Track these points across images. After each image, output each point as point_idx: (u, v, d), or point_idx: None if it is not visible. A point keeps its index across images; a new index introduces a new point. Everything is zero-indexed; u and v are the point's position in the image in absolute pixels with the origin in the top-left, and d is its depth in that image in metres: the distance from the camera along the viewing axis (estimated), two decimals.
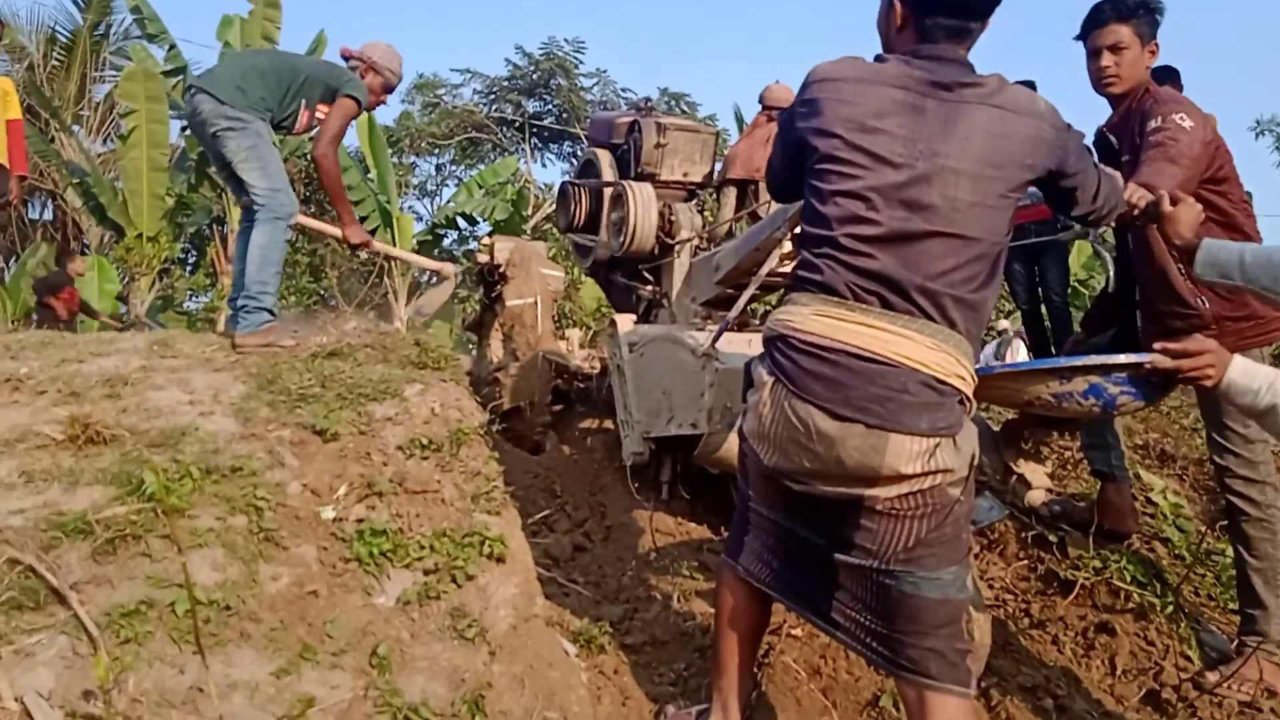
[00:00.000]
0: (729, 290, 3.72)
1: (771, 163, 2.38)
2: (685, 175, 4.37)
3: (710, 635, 2.46)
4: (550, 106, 22.46)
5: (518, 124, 22.17)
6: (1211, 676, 2.95)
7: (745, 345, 3.28)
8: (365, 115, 14.92)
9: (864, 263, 1.99)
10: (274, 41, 14.11)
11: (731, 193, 4.88)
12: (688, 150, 4.35)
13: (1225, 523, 3.79)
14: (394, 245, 14.77)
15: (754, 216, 4.76)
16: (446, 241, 17.99)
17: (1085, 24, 3.14)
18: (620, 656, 2.77)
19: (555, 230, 17.34)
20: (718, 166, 4.75)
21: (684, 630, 2.93)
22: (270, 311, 4.12)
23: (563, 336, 4.75)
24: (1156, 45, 3.10)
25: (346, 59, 4.26)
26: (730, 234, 4.79)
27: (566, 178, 4.73)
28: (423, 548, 2.85)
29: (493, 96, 22.50)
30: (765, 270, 3.02)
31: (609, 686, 2.64)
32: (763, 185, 4.88)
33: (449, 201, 16.25)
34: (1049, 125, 2.09)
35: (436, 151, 23.72)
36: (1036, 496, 2.59)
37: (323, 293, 17.30)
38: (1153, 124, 2.94)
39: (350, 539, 2.84)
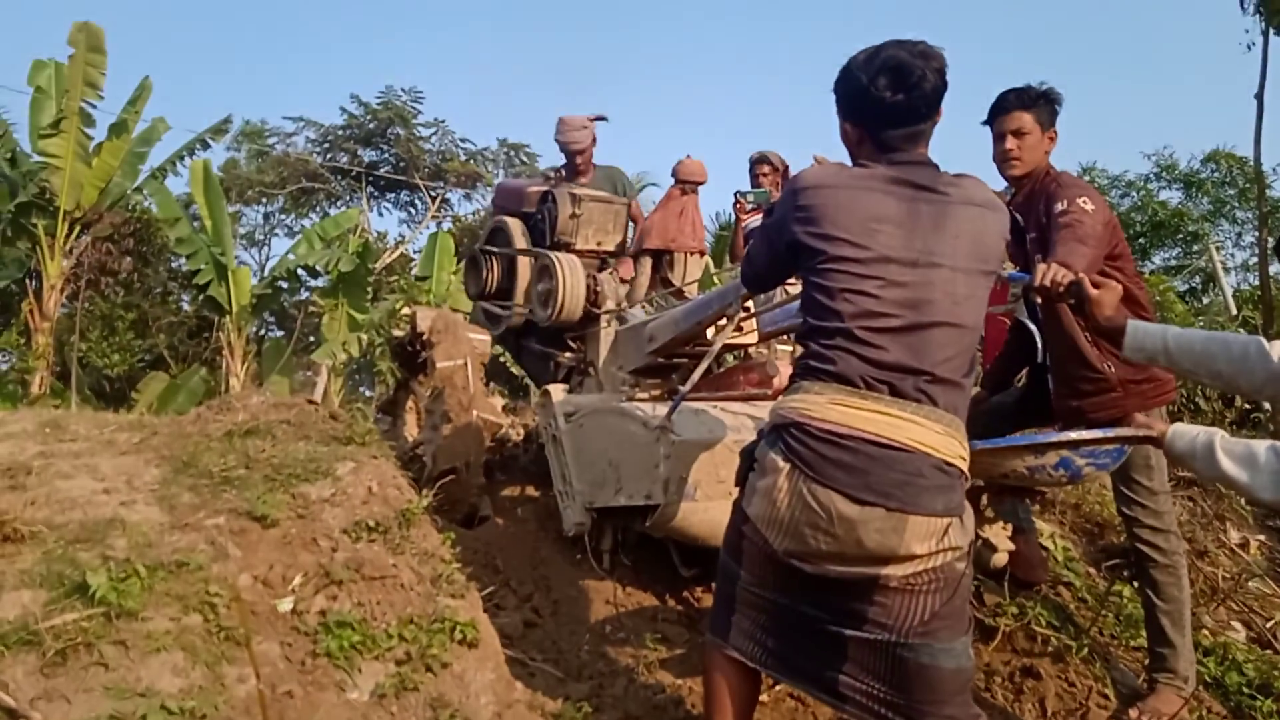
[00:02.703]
0: (660, 360, 3.80)
1: (752, 257, 2.50)
2: (599, 244, 4.45)
3: (704, 715, 2.49)
4: (388, 155, 22.12)
5: (354, 173, 21.70)
6: (1133, 713, 3.21)
7: (692, 415, 3.36)
8: (202, 164, 14.32)
9: (875, 354, 2.12)
10: (98, 88, 13.32)
11: (647, 263, 5.00)
12: (601, 220, 4.44)
13: (1114, 563, 4.15)
14: (229, 301, 14.16)
15: (667, 285, 4.89)
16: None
17: (992, 110, 3.43)
18: None
19: (398, 283, 17.07)
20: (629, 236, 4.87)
21: (656, 704, 2.95)
22: None
23: (492, 396, 4.71)
24: (1055, 132, 3.41)
25: None
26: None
27: (477, 245, 4.71)
28: (391, 637, 2.77)
29: (327, 145, 21.96)
30: (719, 345, 3.12)
31: None
32: (677, 256, 5.03)
33: (288, 253, 15.66)
34: (1005, 218, 2.32)
35: (264, 200, 22.91)
36: (1000, 559, 2.78)
37: (148, 351, 16.30)
38: (1059, 206, 3.23)
39: (313, 632, 2.73)
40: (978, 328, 2.23)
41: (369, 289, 14.91)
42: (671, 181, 5.09)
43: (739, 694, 2.45)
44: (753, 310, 3.43)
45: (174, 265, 16.81)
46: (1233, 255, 18.78)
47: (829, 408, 2.14)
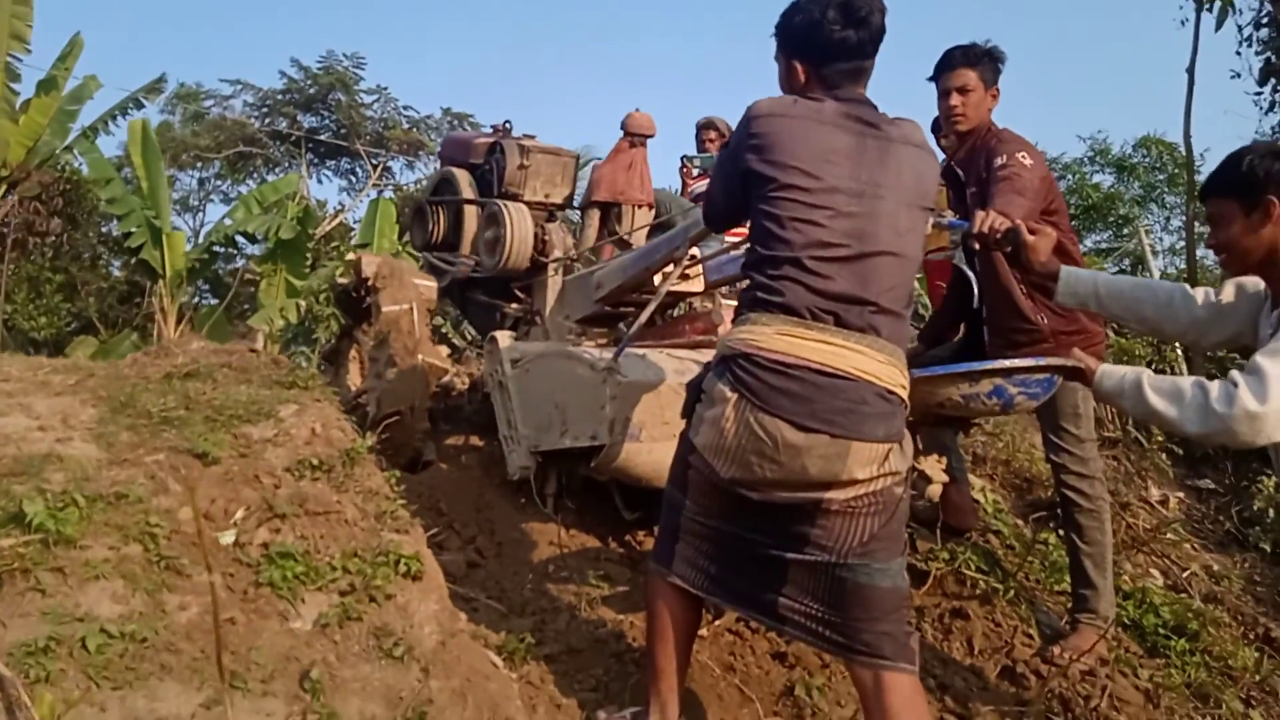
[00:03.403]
0: (607, 308, 3.83)
1: (711, 195, 2.55)
2: (547, 196, 4.46)
3: (646, 640, 2.55)
4: (328, 122, 21.71)
5: (293, 139, 21.27)
6: (1056, 650, 3.33)
7: (638, 358, 3.40)
8: (141, 123, 13.93)
9: (822, 284, 2.18)
10: (25, 41, 12.87)
11: (595, 215, 5.02)
12: (549, 172, 4.44)
13: (1041, 515, 4.30)
14: (163, 266, 13.81)
15: (617, 240, 4.91)
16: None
17: (937, 67, 3.51)
18: (542, 666, 2.81)
19: (338, 250, 16.79)
20: (579, 189, 4.88)
21: (597, 638, 3.00)
22: None
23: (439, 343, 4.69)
24: (998, 90, 3.51)
25: None
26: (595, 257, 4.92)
27: (423, 197, 4.68)
28: (334, 569, 2.77)
29: (266, 109, 21.48)
30: (666, 287, 3.16)
31: (540, 695, 2.67)
32: (626, 208, 5.05)
33: (224, 218, 15.32)
34: (937, 163, 2.46)
35: (200, 165, 22.38)
36: (935, 490, 2.87)
37: (75, 313, 15.85)
38: (999, 161, 3.33)
39: (256, 564, 2.73)
40: (917, 260, 2.33)
41: (308, 255, 14.66)
42: (620, 135, 5.11)
43: (680, 621, 2.51)
44: (698, 258, 3.47)
45: (104, 230, 16.37)
46: (1161, 239, 19.35)
47: (775, 338, 2.20)
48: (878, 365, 2.19)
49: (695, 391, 2.44)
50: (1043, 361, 2.43)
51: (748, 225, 2.44)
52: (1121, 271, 17.25)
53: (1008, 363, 2.41)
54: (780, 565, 2.30)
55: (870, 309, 2.21)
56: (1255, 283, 2.47)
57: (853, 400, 2.16)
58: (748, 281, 2.37)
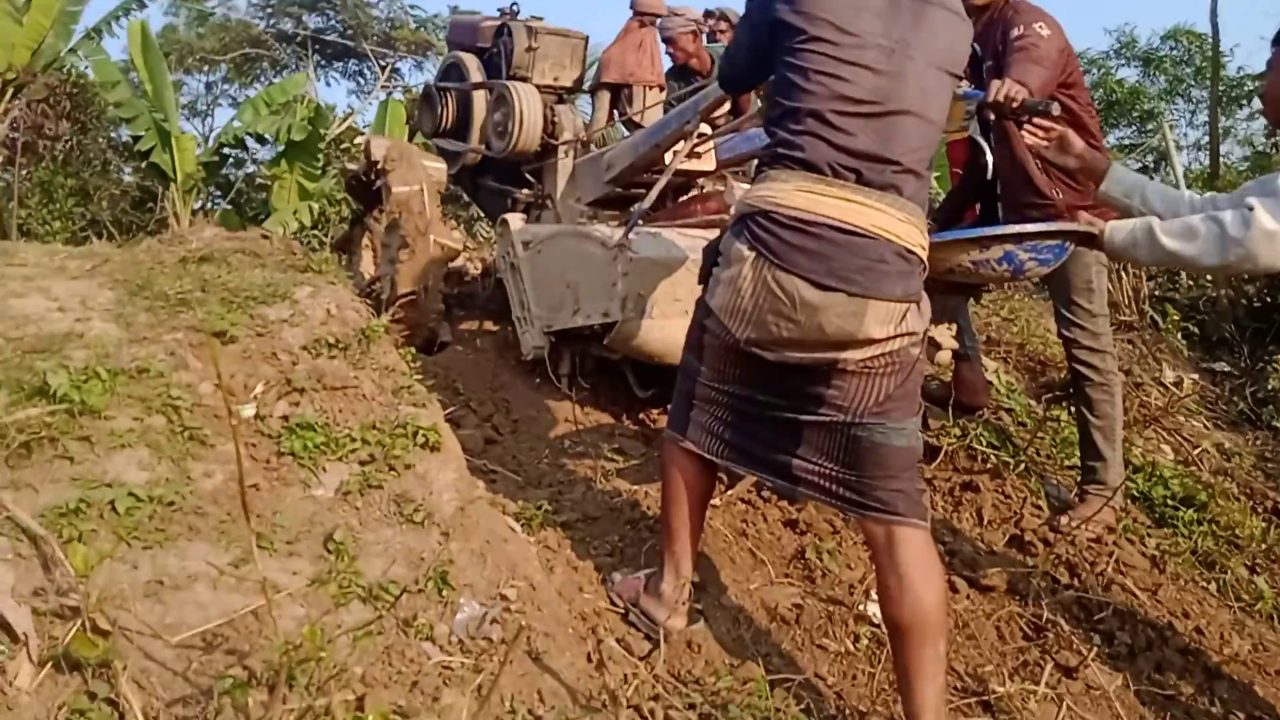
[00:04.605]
0: (618, 190, 3.81)
1: (730, 53, 2.50)
2: (556, 79, 4.38)
3: (661, 505, 2.60)
4: (334, 23, 21.28)
5: (299, 40, 20.89)
6: (1063, 520, 3.39)
7: (649, 235, 3.40)
8: (140, 24, 13.70)
9: (845, 140, 2.16)
10: None
11: (605, 97, 4.94)
12: (558, 55, 4.36)
13: (1053, 396, 4.32)
14: (174, 169, 13.73)
15: (628, 122, 4.85)
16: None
17: None
18: (559, 533, 2.88)
19: (348, 153, 16.63)
20: (589, 72, 4.79)
21: (613, 506, 3.07)
22: None
23: (454, 228, 4.69)
24: None
25: None
26: (604, 140, 4.87)
27: (431, 81, 4.62)
28: (354, 440, 2.83)
29: (270, 10, 21.05)
30: (676, 164, 3.14)
31: (558, 559, 2.74)
32: (636, 90, 4.97)
33: (233, 120, 15.16)
34: (971, 32, 2.39)
35: (206, 69, 22.04)
36: (945, 357, 2.89)
37: (88, 218, 15.85)
38: (1015, 32, 3.26)
39: (277, 435, 2.78)
40: (941, 123, 2.30)
41: (320, 158, 14.53)
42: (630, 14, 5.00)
43: (695, 487, 2.55)
44: (710, 134, 3.43)
45: (114, 135, 16.25)
46: (1186, 134, 18.96)
47: (795, 194, 2.18)
48: (898, 223, 2.17)
49: (712, 255, 2.43)
50: (1053, 226, 2.42)
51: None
52: (1144, 168, 16.98)
53: (1017, 228, 2.40)
54: (795, 427, 2.33)
55: (893, 168, 2.18)
56: None
57: (871, 258, 2.15)
58: (769, 138, 2.34)
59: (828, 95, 2.18)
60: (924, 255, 2.24)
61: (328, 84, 22.95)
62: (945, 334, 2.85)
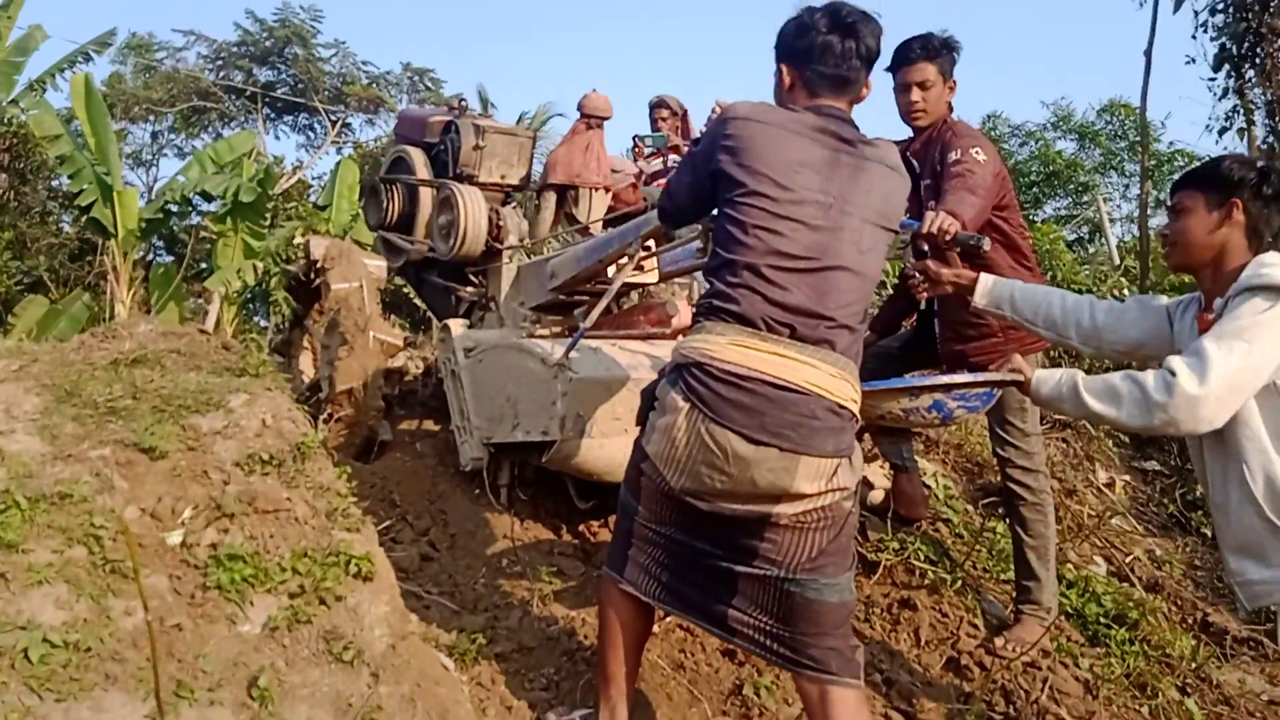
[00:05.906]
0: (562, 297, 3.81)
1: (672, 190, 2.54)
2: (503, 178, 4.39)
3: (598, 646, 2.57)
4: (285, 76, 21.24)
5: (249, 93, 20.79)
6: (999, 642, 3.41)
7: (590, 353, 3.39)
8: (83, 77, 13.51)
9: (780, 295, 2.19)
10: None
11: (551, 197, 4.96)
12: (505, 153, 4.38)
13: (991, 500, 4.37)
14: (115, 224, 13.47)
15: (572, 220, 4.86)
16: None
17: (896, 60, 3.49)
18: (494, 666, 2.82)
19: (295, 210, 16.48)
20: (536, 170, 4.81)
21: (549, 635, 3.02)
22: None
23: (393, 326, 4.63)
24: (955, 81, 3.50)
25: None
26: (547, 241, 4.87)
27: (377, 175, 4.60)
28: (284, 570, 2.75)
29: (220, 62, 20.96)
30: (621, 278, 3.15)
31: (491, 698, 2.69)
32: (582, 191, 4.99)
33: (178, 175, 14.96)
34: (908, 185, 2.45)
35: (152, 118, 21.81)
36: (877, 496, 2.91)
37: (27, 274, 15.48)
38: (953, 155, 3.34)
39: (204, 565, 2.70)
40: (876, 279, 2.35)
41: (267, 215, 14.38)
42: (577, 116, 5.05)
43: (631, 627, 2.53)
44: (653, 249, 3.46)
45: (54, 184, 15.98)
46: (1119, 206, 19.60)
47: (729, 348, 2.20)
48: (829, 380, 2.20)
49: (649, 399, 2.44)
50: (980, 377, 2.47)
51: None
52: (1079, 239, 17.48)
53: (946, 378, 2.45)
54: (730, 577, 2.33)
55: (827, 323, 2.23)
56: (1156, 300, 2.56)
57: (803, 414, 2.18)
58: (708, 284, 2.37)
59: (764, 250, 2.22)
60: (856, 410, 2.28)
61: (276, 137, 22.93)
62: (879, 473, 2.88)
